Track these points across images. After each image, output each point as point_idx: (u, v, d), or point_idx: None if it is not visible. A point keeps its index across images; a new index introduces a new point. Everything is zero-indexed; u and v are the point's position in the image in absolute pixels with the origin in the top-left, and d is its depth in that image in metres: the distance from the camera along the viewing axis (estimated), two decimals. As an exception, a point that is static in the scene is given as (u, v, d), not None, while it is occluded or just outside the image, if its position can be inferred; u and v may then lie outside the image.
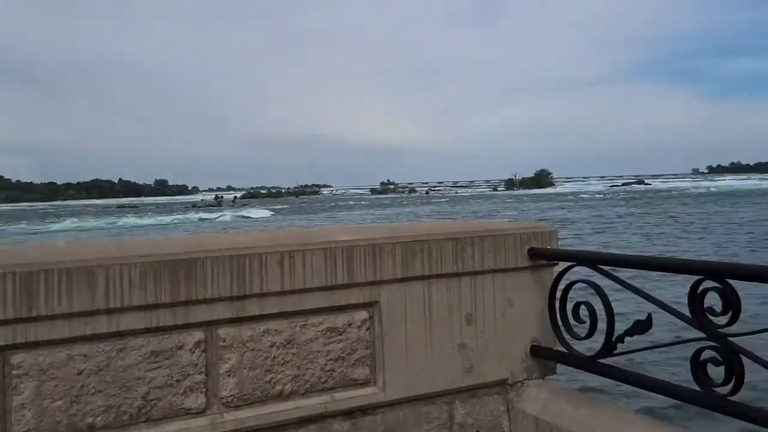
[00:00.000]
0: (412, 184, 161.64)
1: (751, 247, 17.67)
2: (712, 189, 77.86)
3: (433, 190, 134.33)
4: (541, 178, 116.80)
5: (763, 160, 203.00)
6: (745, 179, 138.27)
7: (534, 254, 2.16)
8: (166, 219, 50.48)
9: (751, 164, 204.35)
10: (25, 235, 37.50)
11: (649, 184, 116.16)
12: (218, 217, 50.46)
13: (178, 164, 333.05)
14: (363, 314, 1.95)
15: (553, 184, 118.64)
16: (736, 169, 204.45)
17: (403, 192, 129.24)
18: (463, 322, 2.08)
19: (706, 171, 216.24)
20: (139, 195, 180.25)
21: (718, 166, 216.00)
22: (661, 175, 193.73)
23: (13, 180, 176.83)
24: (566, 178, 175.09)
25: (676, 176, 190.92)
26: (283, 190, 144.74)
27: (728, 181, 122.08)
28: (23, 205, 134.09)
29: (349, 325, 1.92)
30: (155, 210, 75.97)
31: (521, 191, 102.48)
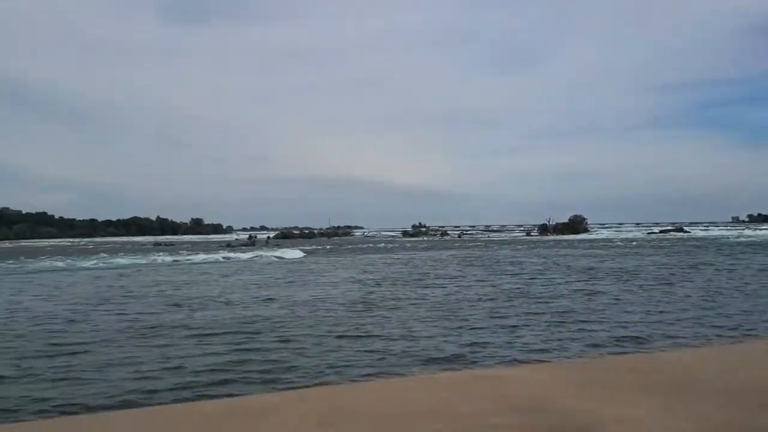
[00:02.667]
0: (443, 227, 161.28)
1: None
2: (756, 238, 75.57)
3: (466, 234, 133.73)
4: (576, 224, 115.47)
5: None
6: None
7: None
8: (196, 258, 51.19)
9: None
10: (59, 272, 38.39)
11: (689, 232, 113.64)
12: (253, 257, 51.00)
13: (213, 203, 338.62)
14: None
15: (588, 230, 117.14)
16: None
17: (435, 235, 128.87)
18: None
19: (746, 219, 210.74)
20: (175, 232, 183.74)
21: (759, 214, 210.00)
22: (699, 223, 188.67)
23: (56, 216, 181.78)
24: (600, 224, 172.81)
25: (715, 224, 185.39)
26: (315, 231, 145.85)
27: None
28: (66, 240, 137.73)
29: None
30: (189, 248, 77.19)
31: (555, 236, 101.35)
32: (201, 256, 53.04)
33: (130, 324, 15.09)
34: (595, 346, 11.41)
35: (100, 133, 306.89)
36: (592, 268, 31.28)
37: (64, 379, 9.41)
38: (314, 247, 76.18)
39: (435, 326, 13.81)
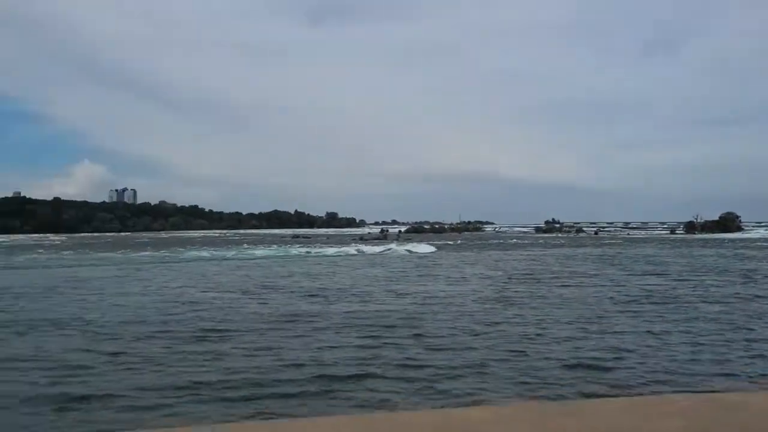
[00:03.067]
0: (578, 223, 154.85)
1: None
2: None
3: (603, 231, 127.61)
4: (727, 222, 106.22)
5: None
6: None
7: None
8: (330, 251, 52.92)
9: None
10: (206, 261, 41.20)
11: None
12: (384, 251, 51.92)
13: (347, 198, 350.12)
14: None
15: (741, 228, 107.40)
16: None
17: (569, 232, 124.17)
18: None
19: None
20: (312, 225, 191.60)
21: None
22: None
23: (206, 210, 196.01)
24: (756, 222, 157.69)
25: None
26: (446, 226, 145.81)
27: None
28: (215, 231, 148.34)
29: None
30: (324, 241, 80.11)
31: (703, 235, 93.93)
32: (335, 249, 54.86)
33: (270, 312, 15.84)
34: (761, 356, 10.33)
35: (245, 132, 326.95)
36: (749, 270, 28.58)
37: (214, 364, 10.02)
38: (444, 241, 76.16)
39: (572, 327, 13.20)
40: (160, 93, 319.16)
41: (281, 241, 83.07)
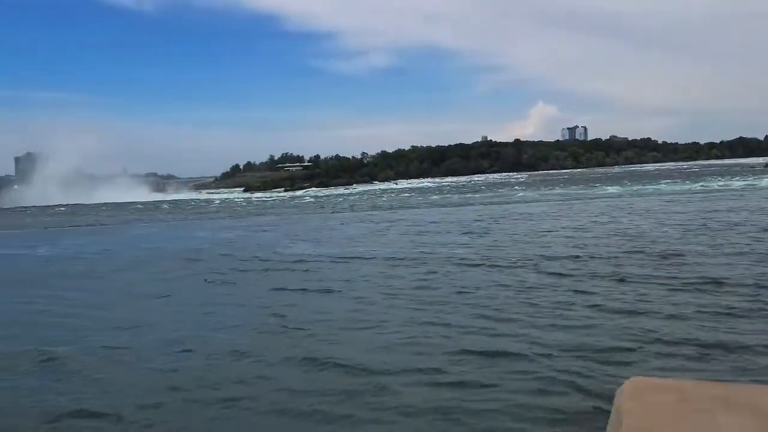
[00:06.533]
0: None
1: None
2: None
3: None
4: None
5: None
6: None
7: None
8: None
9: None
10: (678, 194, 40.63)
11: None
12: None
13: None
14: None
15: None
16: None
17: None
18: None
19: None
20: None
21: None
22: None
23: (660, 141, 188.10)
24: None
25: None
26: None
27: None
28: (671, 164, 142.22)
29: None
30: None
31: None
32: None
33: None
34: None
35: (696, 55, 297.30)
36: None
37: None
38: None
39: None
40: (604, 26, 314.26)
41: (751, 171, 74.72)
